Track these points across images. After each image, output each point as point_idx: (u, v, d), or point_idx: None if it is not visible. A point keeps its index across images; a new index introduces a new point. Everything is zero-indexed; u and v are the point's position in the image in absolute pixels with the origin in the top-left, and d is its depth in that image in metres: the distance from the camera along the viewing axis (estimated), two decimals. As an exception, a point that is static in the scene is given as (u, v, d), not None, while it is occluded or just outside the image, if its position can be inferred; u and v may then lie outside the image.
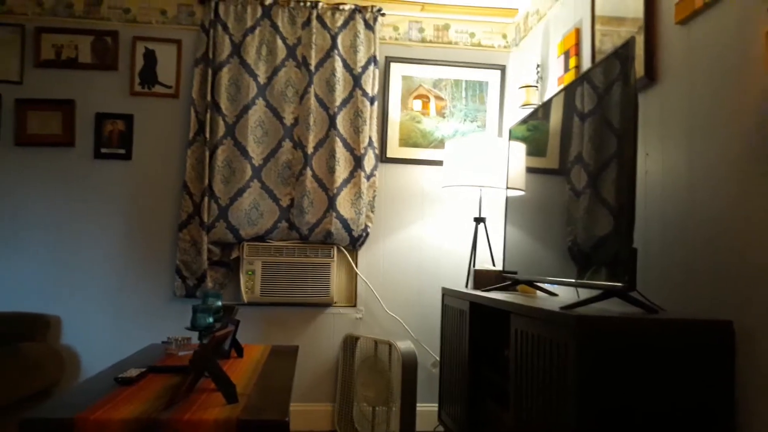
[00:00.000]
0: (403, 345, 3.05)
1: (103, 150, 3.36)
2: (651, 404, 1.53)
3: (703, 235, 1.78)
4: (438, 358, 3.31)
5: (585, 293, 2.43)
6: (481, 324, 2.51)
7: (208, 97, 3.30)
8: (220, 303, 2.18)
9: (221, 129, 3.30)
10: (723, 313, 1.66)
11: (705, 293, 1.75)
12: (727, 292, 1.66)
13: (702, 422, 1.55)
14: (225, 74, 3.33)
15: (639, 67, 2.10)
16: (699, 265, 1.79)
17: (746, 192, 1.61)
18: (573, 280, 1.93)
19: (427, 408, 3.40)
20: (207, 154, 3.28)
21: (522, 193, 2.56)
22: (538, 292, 2.59)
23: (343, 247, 3.45)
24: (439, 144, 3.54)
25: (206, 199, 3.26)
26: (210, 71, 3.32)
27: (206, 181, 3.27)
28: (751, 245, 1.58)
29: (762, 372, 1.52)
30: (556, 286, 2.68)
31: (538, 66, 3.16)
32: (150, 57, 3.41)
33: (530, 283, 2.51)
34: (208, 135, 3.29)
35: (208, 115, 3.29)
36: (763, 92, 1.55)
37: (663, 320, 1.56)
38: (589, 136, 1.92)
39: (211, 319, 2.07)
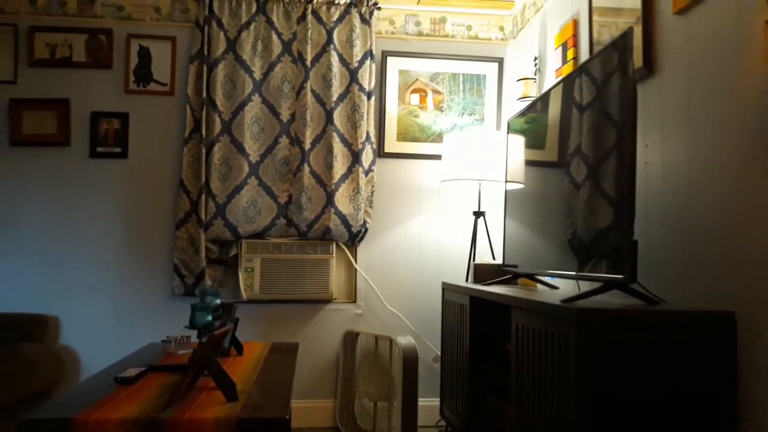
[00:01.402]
0: (404, 340, 3.04)
1: (99, 149, 3.34)
2: (653, 396, 1.52)
3: (704, 226, 1.77)
4: (439, 353, 3.30)
5: (586, 286, 2.42)
6: (482, 318, 2.50)
7: (204, 94, 3.28)
8: (218, 301, 2.16)
9: (217, 126, 3.28)
10: (724, 304, 1.65)
11: (706, 284, 1.74)
12: (728, 283, 1.65)
13: (704, 413, 1.54)
14: (220, 71, 3.31)
15: (637, 58, 2.08)
16: (700, 255, 1.78)
17: (746, 183, 1.60)
18: (573, 273, 1.92)
19: (428, 402, 3.40)
20: (203, 151, 3.26)
21: (521, 186, 2.54)
22: (539, 286, 2.58)
23: (342, 243, 3.44)
24: (438, 138, 3.53)
25: (203, 196, 3.24)
26: (205, 68, 3.30)
27: (203, 178, 3.25)
28: (751, 236, 1.57)
29: (764, 362, 1.51)
30: (556, 279, 2.67)
31: (535, 58, 3.14)
32: (144, 54, 3.38)
33: (531, 277, 2.50)
34: (204, 132, 3.27)
35: (204, 112, 3.27)
36: (763, 83, 1.54)
37: (664, 312, 1.55)
38: (588, 127, 1.91)
39: (209, 317, 2.06)
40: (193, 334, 2.91)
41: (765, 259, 1.52)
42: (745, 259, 1.59)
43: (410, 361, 2.98)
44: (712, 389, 1.54)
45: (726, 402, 1.55)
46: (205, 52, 3.30)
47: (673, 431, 1.52)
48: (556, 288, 2.51)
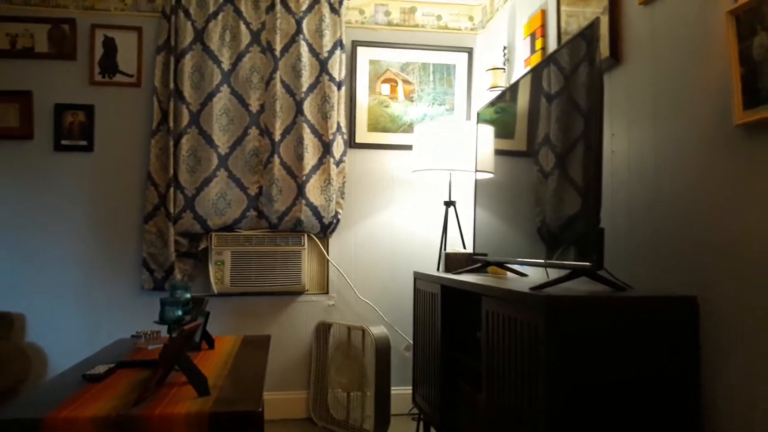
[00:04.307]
0: (376, 330, 3.05)
1: (64, 142, 3.26)
2: (620, 380, 1.55)
3: (668, 214, 1.80)
4: (411, 342, 3.32)
5: (554, 273, 2.45)
6: (453, 307, 2.52)
7: (171, 86, 3.23)
8: (188, 295, 2.14)
9: (185, 117, 3.24)
10: (688, 290, 1.69)
11: (670, 270, 1.78)
12: (691, 269, 1.69)
13: (670, 395, 1.58)
14: (188, 61, 3.26)
15: (604, 48, 2.11)
16: (664, 243, 1.82)
17: (709, 171, 1.64)
18: (542, 261, 1.94)
19: (401, 391, 3.42)
20: (171, 143, 3.21)
21: (491, 175, 2.56)
22: (509, 274, 2.60)
23: (314, 235, 3.43)
24: (408, 128, 3.53)
25: (172, 189, 3.20)
26: (172, 59, 3.24)
27: (171, 171, 3.20)
28: (713, 223, 1.61)
29: (724, 343, 1.55)
30: (526, 267, 2.71)
31: (504, 48, 3.16)
32: (110, 45, 3.31)
33: (500, 265, 2.52)
34: (171, 124, 3.22)
35: (172, 104, 3.22)
36: (725, 73, 1.57)
37: (630, 297, 1.58)
38: (556, 117, 1.93)
39: (180, 312, 2.03)
40: (164, 329, 2.88)
41: (725, 246, 1.56)
42: (707, 247, 1.63)
43: (383, 350, 2.99)
44: (677, 370, 1.58)
45: (691, 382, 1.59)
46: (172, 43, 3.24)
47: (642, 414, 1.56)
48: (526, 276, 2.54)
